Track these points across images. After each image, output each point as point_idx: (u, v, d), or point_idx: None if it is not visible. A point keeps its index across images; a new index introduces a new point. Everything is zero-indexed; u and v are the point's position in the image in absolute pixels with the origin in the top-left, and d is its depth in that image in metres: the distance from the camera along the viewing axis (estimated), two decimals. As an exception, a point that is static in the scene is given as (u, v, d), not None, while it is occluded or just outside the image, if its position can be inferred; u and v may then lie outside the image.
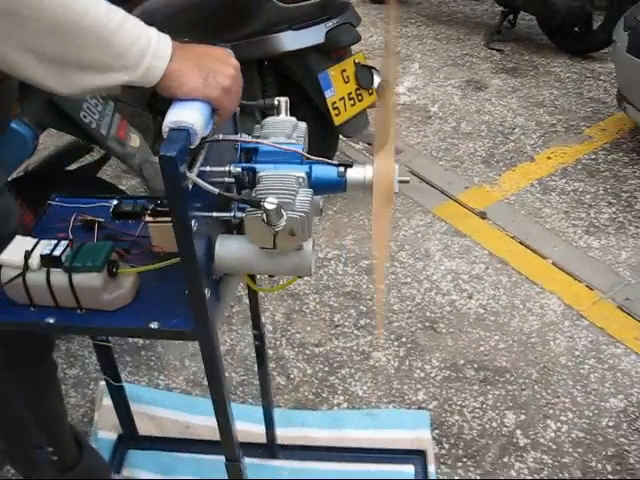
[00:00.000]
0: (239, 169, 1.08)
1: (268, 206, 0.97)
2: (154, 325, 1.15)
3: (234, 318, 2.57)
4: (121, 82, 0.97)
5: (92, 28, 0.91)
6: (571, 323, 2.52)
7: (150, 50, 0.96)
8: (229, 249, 1.10)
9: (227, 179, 1.10)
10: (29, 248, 1.18)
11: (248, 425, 2.04)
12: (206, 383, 2.26)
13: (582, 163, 3.48)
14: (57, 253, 1.17)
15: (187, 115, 0.97)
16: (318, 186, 1.10)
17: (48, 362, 1.59)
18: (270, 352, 2.36)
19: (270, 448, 2.04)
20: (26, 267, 1.16)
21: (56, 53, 0.92)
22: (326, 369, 2.37)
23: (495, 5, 5.05)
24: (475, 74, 4.44)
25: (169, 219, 1.23)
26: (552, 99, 4.10)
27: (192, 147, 0.98)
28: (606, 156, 3.52)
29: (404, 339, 2.48)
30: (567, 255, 2.87)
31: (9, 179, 1.64)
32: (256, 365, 2.33)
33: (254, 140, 1.12)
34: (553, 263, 2.83)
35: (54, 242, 1.20)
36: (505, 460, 2.07)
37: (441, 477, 2.02)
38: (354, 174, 1.10)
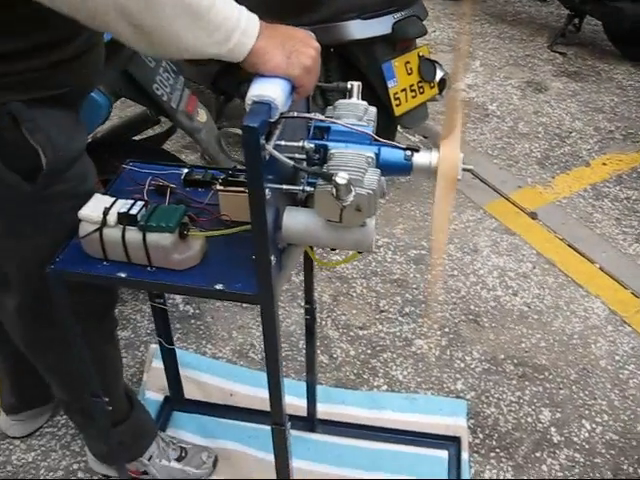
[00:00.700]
0: (312, 145, 1.14)
1: (339, 180, 1.02)
2: (219, 286, 1.22)
3: (282, 295, 2.63)
4: (210, 55, 1.04)
5: (190, 4, 0.97)
6: (614, 328, 2.54)
7: (240, 27, 1.02)
8: (296, 220, 1.15)
9: (298, 155, 1.15)
10: (107, 205, 1.26)
11: (290, 398, 2.08)
12: (251, 355, 2.38)
13: (638, 172, 3.46)
14: (134, 212, 1.25)
15: (270, 90, 1.04)
16: (385, 167, 1.15)
17: (109, 318, 1.67)
18: (316, 331, 2.43)
19: (310, 422, 2.10)
20: (104, 223, 1.24)
21: (153, 25, 0.98)
22: (368, 352, 2.43)
23: (561, 8, 5.02)
24: (536, 75, 4.43)
25: (239, 189, 1.31)
26: (612, 106, 4.07)
27: (272, 120, 1.04)
28: (663, 166, 3.50)
29: (447, 329, 2.52)
30: (615, 261, 2.87)
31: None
32: (301, 342, 2.41)
33: (328, 119, 1.18)
34: (600, 268, 2.83)
35: (131, 202, 1.28)
36: (537, 455, 2.10)
37: (473, 465, 2.06)
38: (420, 159, 1.15)
